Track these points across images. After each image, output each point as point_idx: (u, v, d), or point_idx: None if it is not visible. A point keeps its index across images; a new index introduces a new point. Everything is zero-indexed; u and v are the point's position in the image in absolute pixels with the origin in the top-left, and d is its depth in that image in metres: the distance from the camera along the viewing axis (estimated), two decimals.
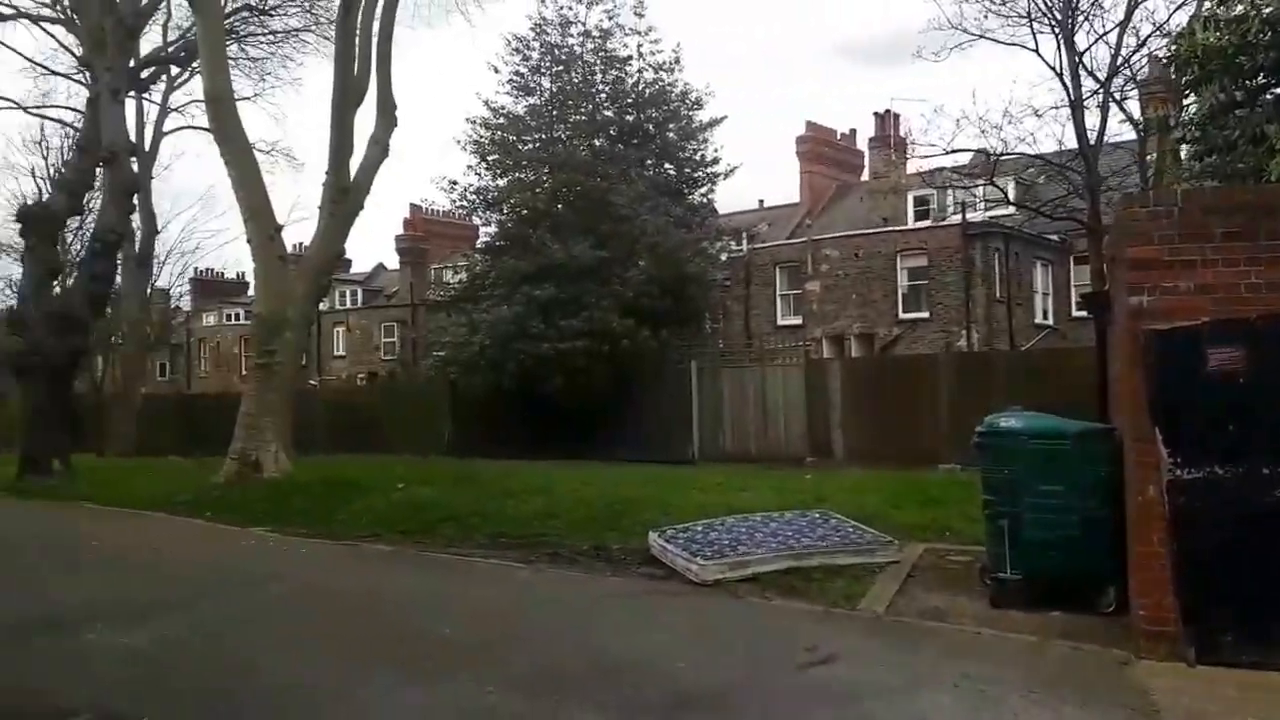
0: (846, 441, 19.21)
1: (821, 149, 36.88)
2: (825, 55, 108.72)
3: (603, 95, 25.49)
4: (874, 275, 28.30)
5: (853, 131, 38.15)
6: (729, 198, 46.69)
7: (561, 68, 25.27)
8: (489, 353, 22.60)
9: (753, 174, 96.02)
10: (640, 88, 25.29)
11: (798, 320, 29.46)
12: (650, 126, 25.46)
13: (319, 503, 15.00)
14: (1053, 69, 21.20)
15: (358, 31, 21.08)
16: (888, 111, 32.37)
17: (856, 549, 9.28)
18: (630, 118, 25.41)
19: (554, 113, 25.41)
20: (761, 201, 38.78)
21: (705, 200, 26.40)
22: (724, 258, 27.27)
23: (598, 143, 25.11)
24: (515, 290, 22.56)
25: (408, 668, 6.63)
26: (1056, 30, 21.06)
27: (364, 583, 10.11)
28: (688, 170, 25.92)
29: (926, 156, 22.40)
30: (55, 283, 30.39)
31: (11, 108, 36.89)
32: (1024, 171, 24.06)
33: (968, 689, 5.68)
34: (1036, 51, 21.92)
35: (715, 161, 25.85)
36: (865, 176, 36.19)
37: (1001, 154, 21.60)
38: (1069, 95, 20.85)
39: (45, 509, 18.96)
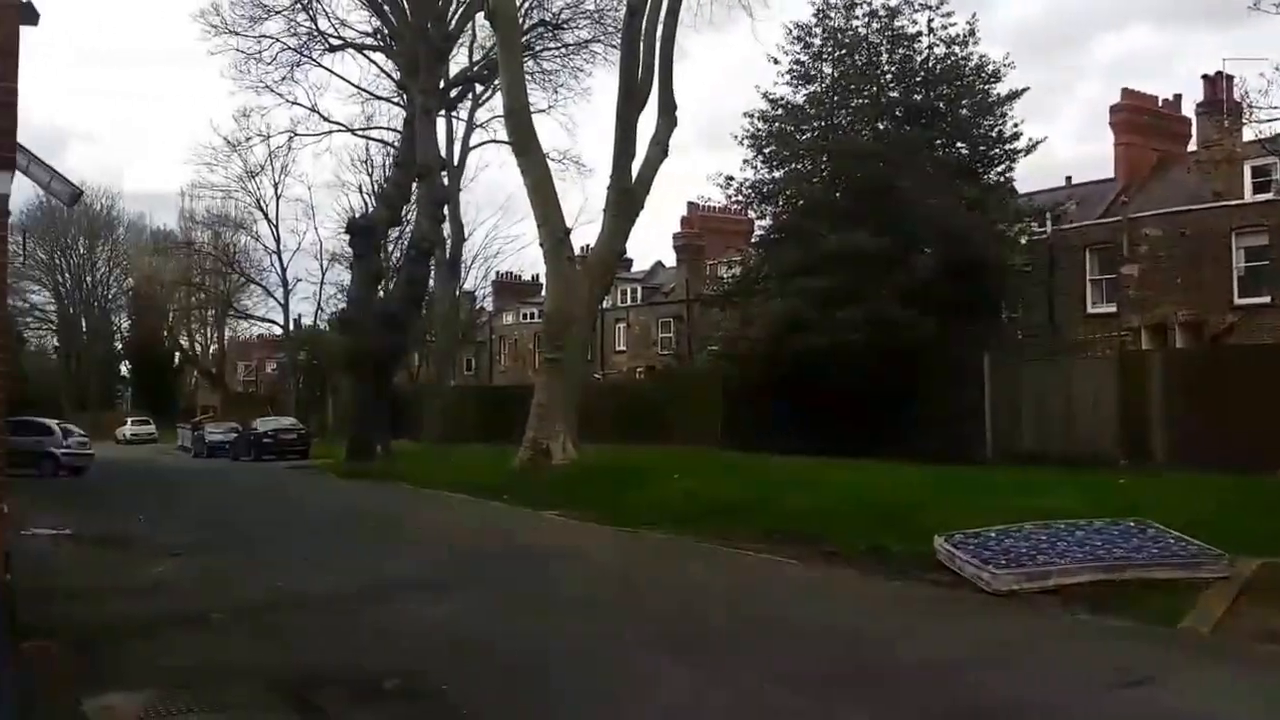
0: (1169, 442, 17.16)
1: (1139, 118, 33.22)
2: (1133, 17, 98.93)
3: (888, 76, 24.56)
4: (1204, 256, 25.12)
5: (1176, 98, 34.13)
6: (1031, 175, 43.47)
7: (844, 51, 24.60)
8: (761, 346, 22.47)
9: (1061, 147, 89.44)
10: (930, 64, 24.11)
11: (1111, 308, 26.78)
12: (941, 104, 24.18)
13: (602, 489, 15.63)
14: None
15: (642, 37, 21.74)
16: (1218, 73, 28.47)
17: (1179, 562, 8.27)
18: (918, 97, 24.28)
19: (835, 99, 24.81)
20: (1069, 178, 35.48)
21: (1003, 179, 24.67)
22: (1024, 241, 25.32)
23: (881, 126, 24.22)
24: (790, 283, 22.25)
25: (683, 650, 6.65)
26: None
27: (643, 566, 10.37)
28: (983, 148, 24.35)
29: (1268, 121, 19.47)
30: (379, 287, 33.99)
31: (341, 130, 41.58)
32: None
33: None
34: None
35: (1015, 137, 24.06)
36: (1192, 146, 32.27)
37: None
38: None
39: (369, 488, 21.23)
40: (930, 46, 24.03)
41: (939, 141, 24.21)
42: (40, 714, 5.11)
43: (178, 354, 69.21)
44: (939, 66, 24.00)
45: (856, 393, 20.55)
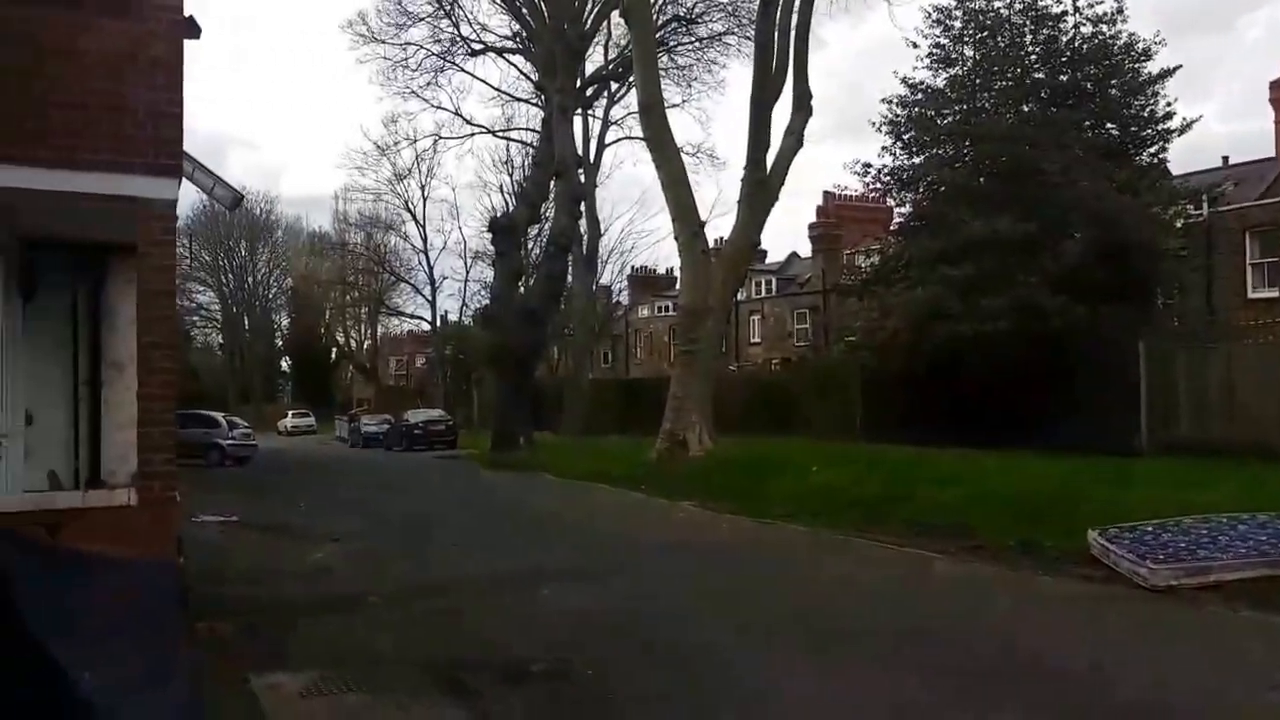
0: None
1: None
2: None
3: (1032, 57, 23.66)
4: None
5: None
6: (1186, 156, 40.94)
7: (986, 33, 23.83)
8: (901, 336, 22.01)
9: (1216, 127, 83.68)
10: (1076, 44, 23.10)
11: (1273, 292, 25.00)
12: (1088, 85, 23.13)
13: (738, 481, 15.65)
14: None
15: (776, 27, 21.62)
16: None
17: None
18: (1064, 78, 23.31)
19: (976, 82, 24.04)
20: (1226, 159, 33.40)
21: (1155, 161, 23.40)
22: (1179, 224, 23.94)
23: (1026, 108, 23.31)
24: (931, 271, 21.67)
25: (826, 644, 6.66)
26: None
27: (782, 559, 10.35)
28: (1134, 129, 23.15)
29: None
30: (519, 283, 34.94)
31: (483, 132, 43.07)
32: None
33: None
34: None
35: (1167, 117, 22.79)
36: None
37: None
38: None
39: (513, 478, 21.88)
40: (1076, 26, 23.10)
41: (1087, 123, 23.16)
42: (211, 691, 5.43)
43: (334, 349, 72.85)
44: (1085, 46, 23.02)
45: (1001, 382, 19.86)
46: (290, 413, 60.01)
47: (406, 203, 55.36)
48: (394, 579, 9.48)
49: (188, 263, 57.64)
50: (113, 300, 7.82)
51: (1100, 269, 20.23)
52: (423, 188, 55.53)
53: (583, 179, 35.10)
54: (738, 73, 71.12)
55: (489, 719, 5.39)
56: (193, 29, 6.81)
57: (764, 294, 47.94)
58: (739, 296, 35.67)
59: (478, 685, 5.89)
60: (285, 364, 76.15)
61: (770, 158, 21.36)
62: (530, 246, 42.87)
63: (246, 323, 70.68)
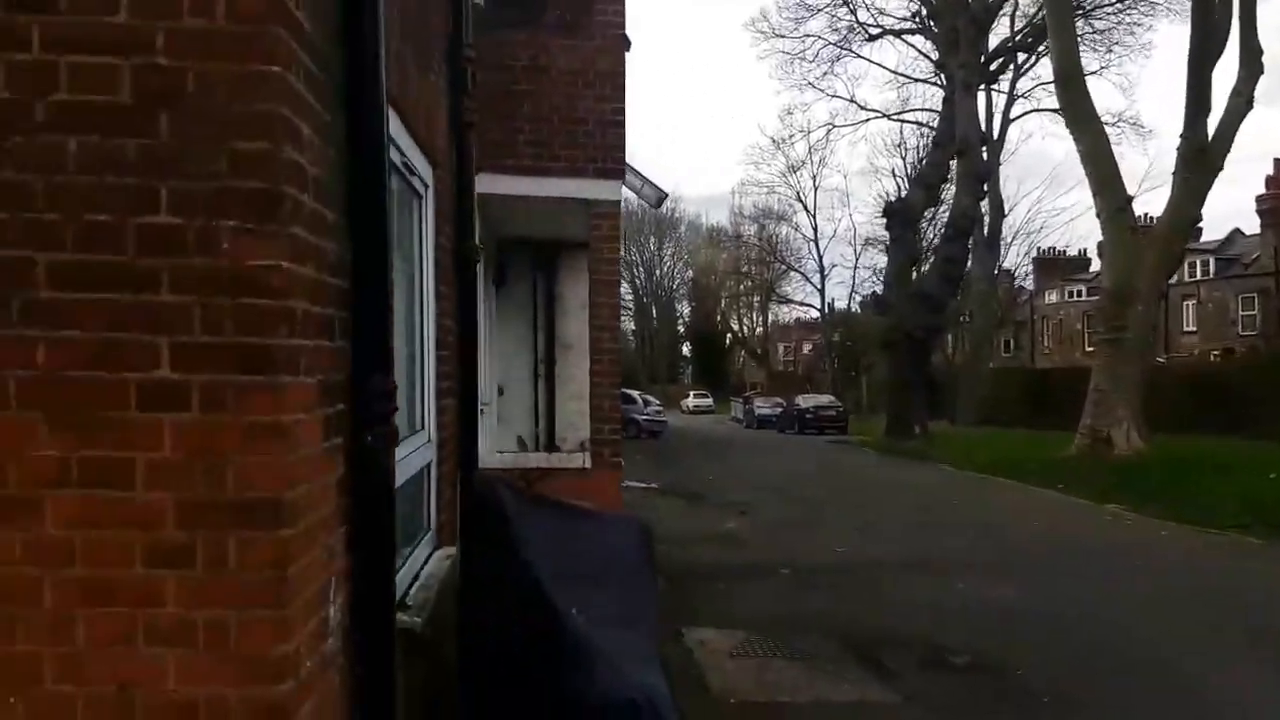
0: None
1: None
2: None
3: None
4: None
5: None
6: None
7: None
8: None
9: None
10: None
11: None
12: None
13: (1175, 484, 14.07)
14: None
15: None
16: None
17: None
18: None
19: None
20: None
21: None
22: None
23: None
24: None
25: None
26: None
27: (1233, 573, 9.16)
28: None
29: None
30: (913, 268, 34.10)
31: (877, 116, 42.57)
32: None
33: None
34: None
35: None
36: None
37: None
38: None
39: (908, 466, 21.51)
40: None
41: None
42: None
43: (728, 335, 76.47)
44: None
45: None
46: (691, 393, 63.60)
47: (798, 193, 56.58)
48: (800, 553, 9.77)
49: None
50: (565, 289, 8.88)
51: None
52: (814, 177, 56.50)
53: (984, 157, 33.40)
54: (1165, 33, 62.89)
55: (914, 701, 5.38)
56: (626, 43, 7.32)
57: (1200, 276, 42.39)
58: (1170, 280, 31.84)
59: (899, 668, 5.91)
60: (686, 349, 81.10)
61: (1211, 123, 18.91)
62: (925, 229, 41.63)
63: (654, 311, 76.19)
